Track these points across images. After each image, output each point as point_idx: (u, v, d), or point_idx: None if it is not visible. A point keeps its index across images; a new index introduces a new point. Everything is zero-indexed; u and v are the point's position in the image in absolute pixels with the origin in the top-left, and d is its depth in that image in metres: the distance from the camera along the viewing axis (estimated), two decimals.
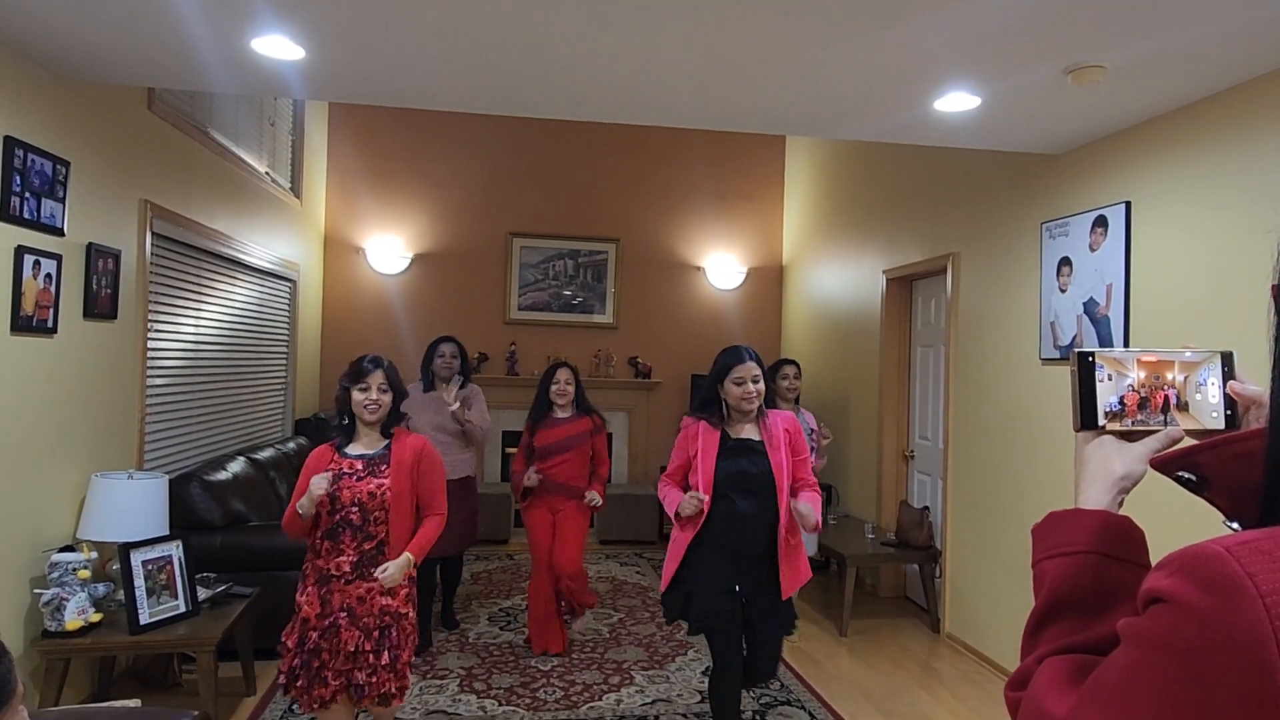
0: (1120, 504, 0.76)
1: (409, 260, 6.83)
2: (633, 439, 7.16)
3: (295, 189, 5.98)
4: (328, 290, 6.74)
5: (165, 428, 4.03)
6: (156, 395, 3.91)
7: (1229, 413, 0.75)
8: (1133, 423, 0.77)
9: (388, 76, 3.00)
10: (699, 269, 7.29)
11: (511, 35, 2.60)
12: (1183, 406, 0.76)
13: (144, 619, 3.03)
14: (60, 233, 3.05)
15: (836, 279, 6.25)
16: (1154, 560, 0.61)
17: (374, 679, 2.49)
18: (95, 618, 2.99)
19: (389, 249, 6.75)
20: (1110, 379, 0.77)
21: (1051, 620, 0.72)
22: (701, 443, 2.76)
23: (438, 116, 6.57)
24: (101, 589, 3.06)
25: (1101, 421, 0.77)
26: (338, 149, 6.76)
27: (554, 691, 3.66)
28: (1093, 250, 3.52)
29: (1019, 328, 4.01)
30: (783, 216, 7.44)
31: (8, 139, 2.76)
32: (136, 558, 3.08)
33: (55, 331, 3.05)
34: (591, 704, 3.55)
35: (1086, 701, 0.60)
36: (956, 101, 3.06)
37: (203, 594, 3.33)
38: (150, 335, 3.80)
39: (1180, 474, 0.70)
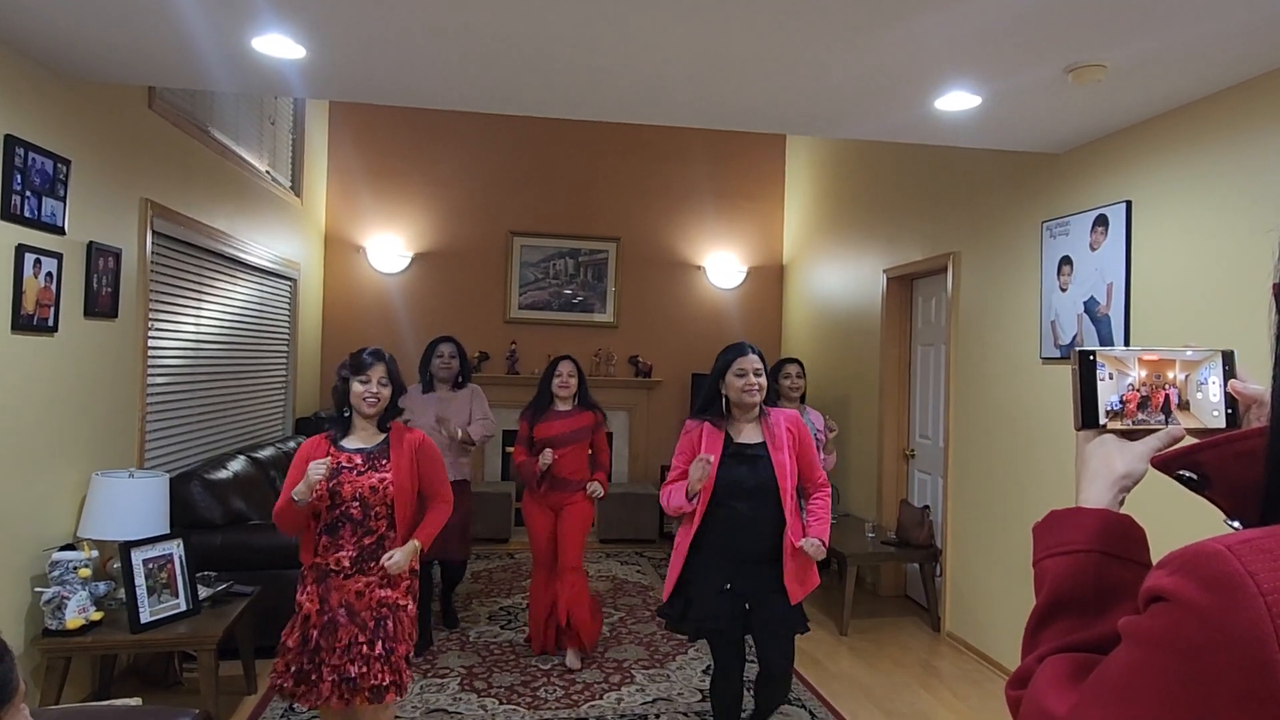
0: (1121, 503, 0.76)
1: (409, 259, 6.83)
2: (633, 438, 7.16)
3: (296, 188, 5.98)
4: (328, 289, 6.74)
5: (166, 426, 4.03)
6: (157, 394, 3.92)
7: (1230, 411, 0.75)
8: (1134, 422, 0.77)
9: (388, 75, 3.00)
10: (699, 268, 7.29)
11: (512, 34, 2.60)
12: (1184, 405, 0.76)
13: (145, 617, 3.04)
14: (61, 231, 3.05)
15: (837, 278, 6.25)
16: (1155, 559, 0.61)
17: (365, 670, 2.44)
18: (96, 616, 2.99)
19: (389, 248, 6.76)
20: (1111, 378, 0.77)
21: (1052, 619, 0.72)
22: (705, 446, 2.71)
23: (438, 115, 6.57)
24: (102, 587, 3.06)
25: (1103, 420, 0.77)
26: (338, 148, 6.76)
27: (554, 690, 3.66)
28: (1093, 249, 3.52)
29: (1019, 327, 4.01)
30: (783, 215, 7.44)
31: (8, 138, 2.76)
32: (137, 556, 3.08)
33: (56, 330, 3.05)
34: (592, 703, 3.55)
35: (1087, 700, 0.60)
36: (957, 100, 3.06)
37: (203, 592, 3.33)
38: (151, 334, 3.80)
39: (1181, 473, 0.70)
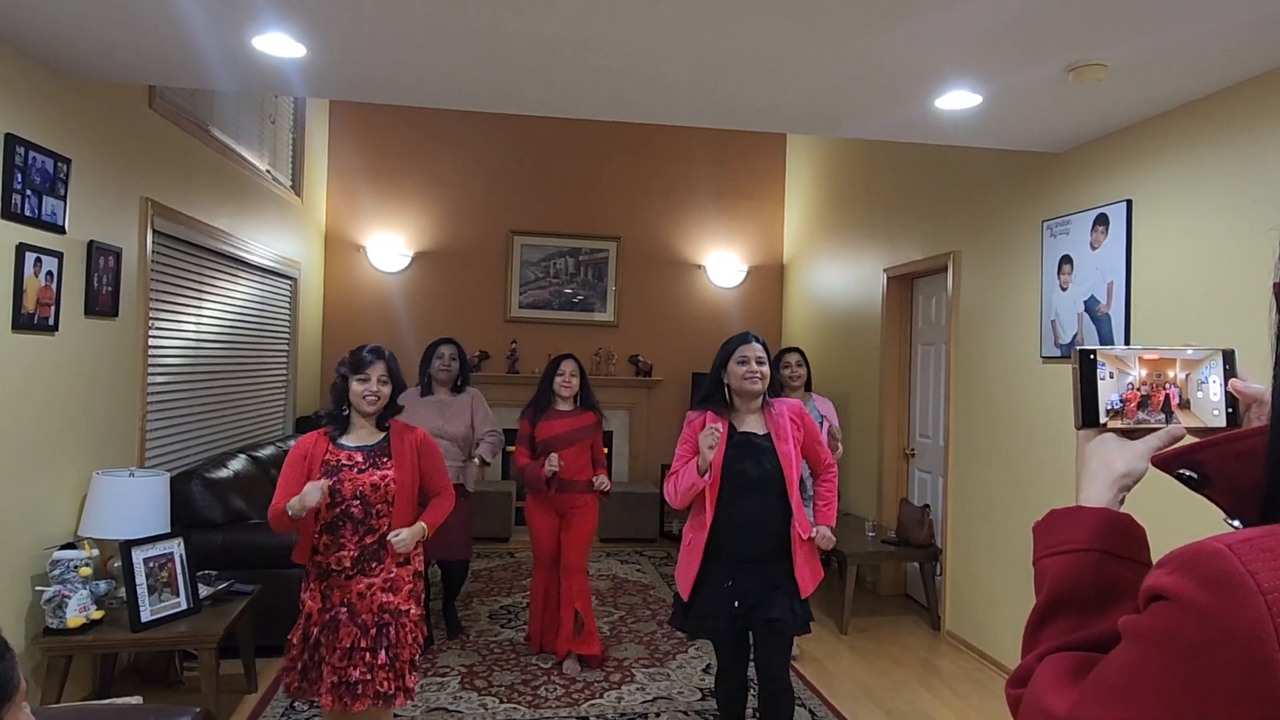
0: (1121, 502, 0.76)
1: (410, 258, 6.83)
2: (633, 437, 7.16)
3: (296, 187, 5.98)
4: (328, 288, 6.74)
5: (166, 425, 4.04)
6: (157, 393, 3.92)
7: (1230, 411, 0.75)
8: (1134, 421, 0.77)
9: (388, 74, 3.00)
10: (700, 267, 7.29)
11: (512, 33, 2.60)
12: (1184, 404, 0.76)
13: (145, 616, 3.04)
14: (61, 230, 3.05)
15: (837, 277, 6.25)
16: (1155, 558, 0.61)
17: (369, 677, 2.42)
18: (97, 615, 2.99)
19: (390, 247, 6.76)
20: (1112, 377, 0.77)
21: (1052, 618, 0.72)
22: None
23: (438, 114, 6.57)
24: (103, 586, 3.06)
25: (1103, 419, 0.77)
26: (338, 147, 6.76)
27: (555, 689, 3.67)
28: (1094, 248, 3.52)
29: (1020, 326, 4.01)
30: (783, 215, 7.44)
31: (9, 136, 2.76)
32: (138, 555, 3.08)
33: (56, 329, 3.05)
34: (592, 701, 3.55)
35: (1087, 699, 0.60)
36: (958, 100, 3.06)
37: (204, 591, 3.33)
38: (151, 333, 3.81)
39: (1181, 472, 0.70)
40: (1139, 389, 0.77)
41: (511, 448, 4.64)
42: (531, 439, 3.90)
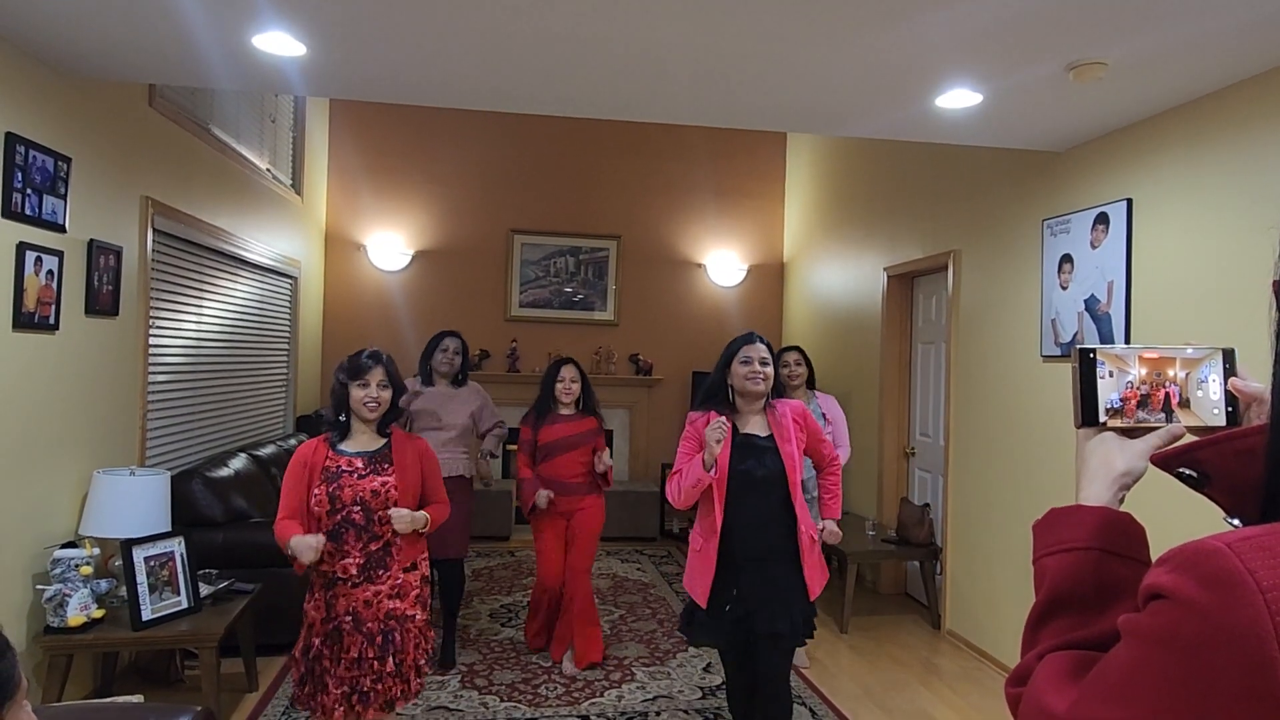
0: (1121, 500, 0.76)
1: (410, 257, 6.84)
2: (634, 436, 7.16)
3: (296, 186, 5.98)
4: (329, 287, 6.74)
5: (167, 424, 4.04)
6: (158, 392, 3.92)
7: (1230, 410, 0.75)
8: (1134, 420, 0.77)
9: (388, 73, 3.00)
10: (700, 266, 7.29)
11: (512, 32, 2.60)
12: (1184, 403, 0.76)
13: (146, 615, 3.04)
14: (62, 229, 3.05)
15: (837, 276, 6.25)
16: (1155, 556, 0.61)
17: (379, 685, 2.42)
18: (98, 614, 2.99)
19: (390, 246, 6.76)
20: (1111, 375, 0.77)
21: (1052, 616, 0.72)
22: None
23: (438, 113, 6.57)
24: (104, 585, 3.06)
25: (1103, 418, 0.77)
26: (338, 146, 6.76)
27: (555, 688, 3.67)
28: (1094, 247, 3.51)
29: (1020, 325, 4.01)
30: (784, 213, 7.44)
31: (9, 135, 2.76)
32: (139, 554, 3.08)
33: (57, 328, 3.05)
34: (593, 700, 3.55)
35: (1087, 697, 0.60)
36: (958, 98, 3.06)
37: (205, 590, 3.34)
38: (152, 332, 3.81)
39: (1181, 470, 0.70)
40: (1139, 388, 0.77)
41: (513, 446, 4.61)
42: (534, 444, 3.89)
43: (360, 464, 2.51)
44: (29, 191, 2.85)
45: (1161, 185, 3.20)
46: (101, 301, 3.32)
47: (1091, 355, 0.78)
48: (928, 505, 4.80)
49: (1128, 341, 3.30)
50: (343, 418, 2.56)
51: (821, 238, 6.60)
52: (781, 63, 2.78)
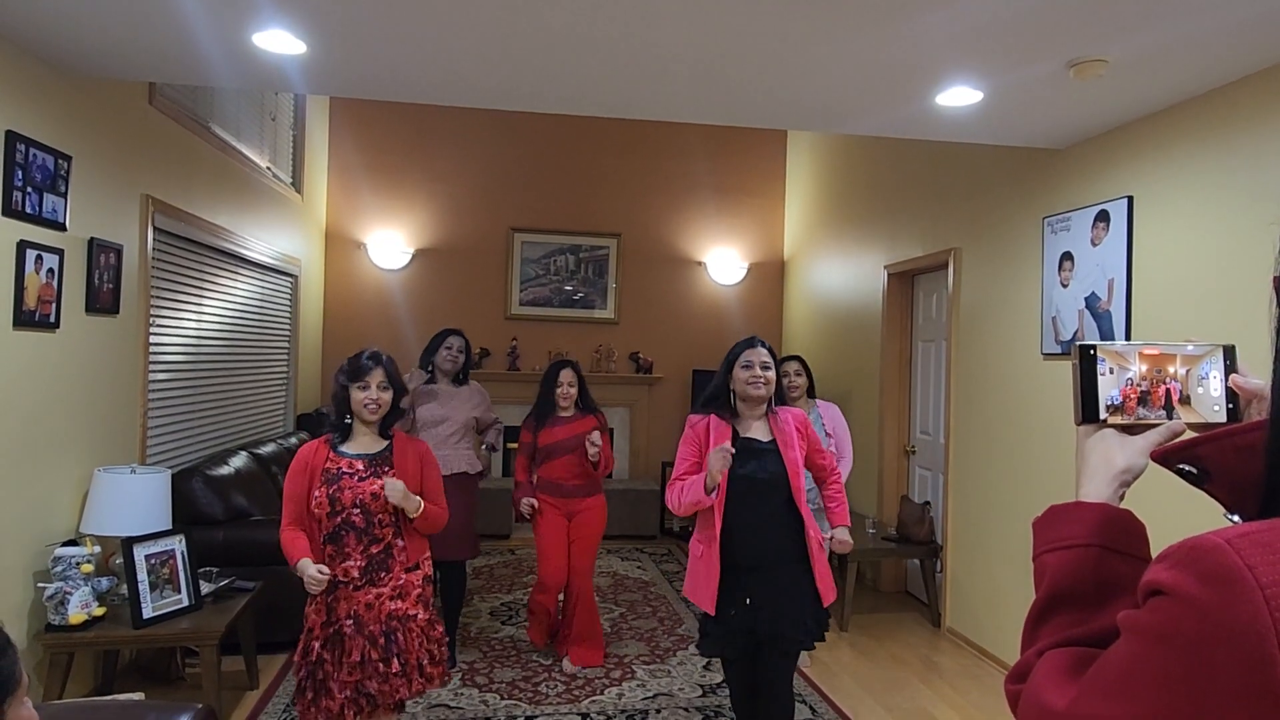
0: (1121, 497, 0.76)
1: (410, 255, 6.83)
2: (634, 434, 7.16)
3: (296, 184, 5.98)
4: (329, 285, 6.74)
5: (167, 422, 4.04)
6: (158, 390, 3.92)
7: (1231, 406, 0.75)
8: (1134, 417, 0.77)
9: (388, 71, 3.00)
10: (700, 264, 7.29)
11: (512, 30, 2.59)
12: (1184, 400, 0.76)
13: (147, 613, 3.04)
14: (62, 227, 3.06)
15: (838, 274, 6.25)
16: (1155, 553, 0.61)
17: (386, 687, 2.41)
18: (98, 612, 3.00)
19: (390, 244, 6.76)
20: (1112, 372, 0.77)
21: (1052, 613, 0.72)
22: (713, 440, 2.61)
23: (438, 111, 6.56)
24: (105, 583, 3.07)
25: (1103, 415, 0.77)
26: (339, 144, 6.76)
27: (555, 686, 3.67)
28: (1094, 245, 3.51)
29: (1020, 323, 4.01)
30: (784, 212, 7.44)
31: (9, 134, 2.76)
32: (139, 552, 3.09)
33: (58, 326, 3.05)
34: (593, 698, 3.56)
35: (1086, 694, 0.60)
36: (958, 96, 3.05)
37: (205, 588, 3.34)
38: (152, 330, 3.81)
39: (1181, 467, 0.70)
40: (1139, 385, 0.77)
41: (513, 444, 4.61)
42: (534, 447, 3.90)
43: (361, 466, 2.50)
44: (29, 190, 2.85)
45: (1162, 183, 3.20)
46: (102, 300, 3.32)
47: (1092, 352, 0.78)
48: (928, 503, 4.80)
49: (1128, 339, 3.29)
50: (346, 419, 2.55)
51: (822, 236, 6.60)
52: (782, 61, 2.78)
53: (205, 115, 4.39)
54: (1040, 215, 3.88)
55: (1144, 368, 0.77)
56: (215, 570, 3.52)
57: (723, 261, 7.26)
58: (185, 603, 3.18)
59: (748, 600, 2.54)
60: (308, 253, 6.23)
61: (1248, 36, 2.50)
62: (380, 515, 2.47)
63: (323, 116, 6.61)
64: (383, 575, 2.47)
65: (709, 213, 7.29)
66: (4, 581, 2.85)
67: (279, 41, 2.72)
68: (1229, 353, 0.76)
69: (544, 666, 3.88)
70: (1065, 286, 3.68)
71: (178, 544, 3.23)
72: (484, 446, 4.20)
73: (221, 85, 3.76)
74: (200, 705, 2.23)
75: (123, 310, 3.50)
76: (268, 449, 4.69)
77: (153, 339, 3.82)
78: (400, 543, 2.51)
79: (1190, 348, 0.77)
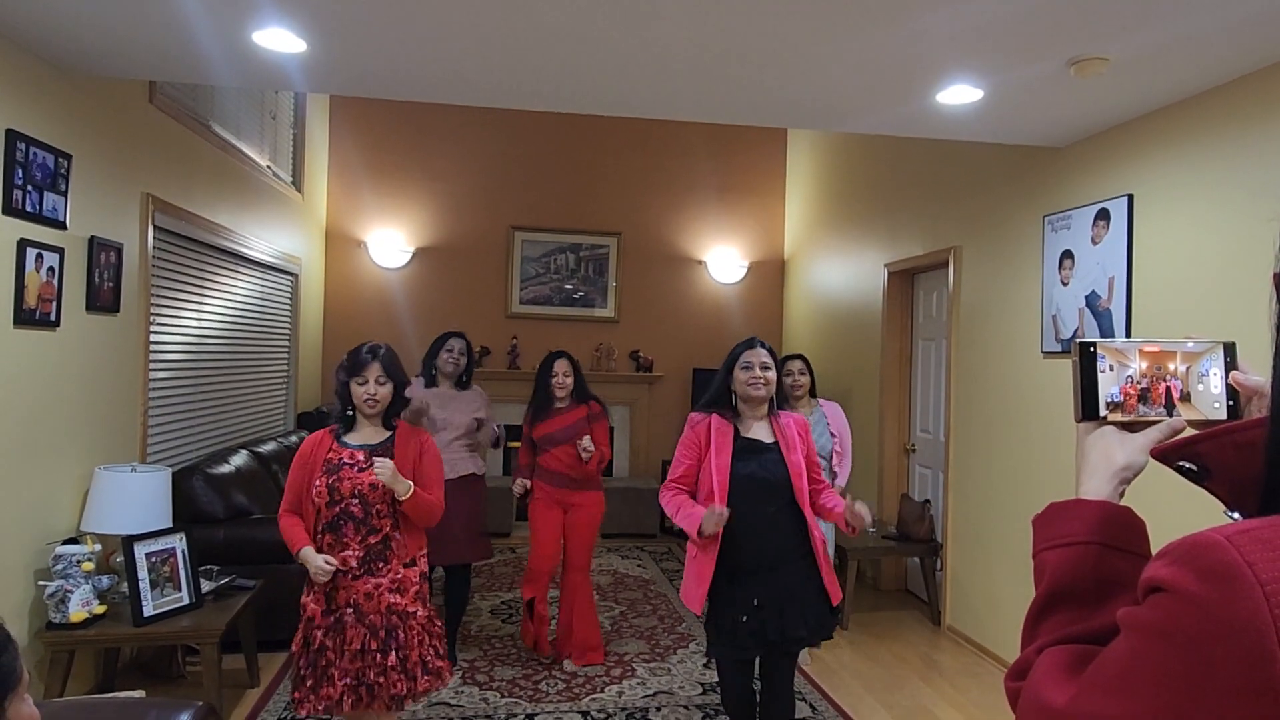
0: (1121, 494, 0.76)
1: (410, 254, 6.83)
2: (634, 433, 7.16)
3: (297, 183, 5.98)
4: (329, 284, 6.74)
5: (168, 421, 4.04)
6: (159, 388, 3.92)
7: (1231, 403, 0.75)
8: (1134, 414, 0.77)
9: (389, 69, 3.00)
10: (700, 263, 7.29)
11: (512, 28, 2.59)
12: (1185, 397, 0.76)
13: (148, 611, 3.05)
14: (62, 226, 3.06)
15: (838, 273, 6.24)
16: (1154, 550, 0.61)
17: (383, 679, 2.42)
18: (99, 610, 3.00)
19: (390, 243, 6.75)
20: (1112, 369, 0.77)
21: (1052, 610, 0.72)
22: (715, 441, 2.60)
23: (438, 110, 6.56)
24: (105, 581, 3.07)
25: (1103, 412, 0.77)
26: (339, 143, 6.76)
27: (556, 684, 3.67)
28: (1095, 243, 3.51)
29: (1021, 321, 4.01)
30: (784, 210, 7.43)
31: (10, 132, 2.76)
32: (140, 550, 3.09)
33: (58, 325, 3.05)
34: (593, 696, 3.56)
35: (1086, 691, 0.60)
36: (959, 94, 3.05)
37: (206, 586, 3.34)
38: (152, 328, 3.81)
39: (1181, 464, 0.70)
40: (1139, 382, 0.77)
41: (514, 443, 4.61)
42: (530, 438, 3.94)
43: (361, 457, 2.52)
44: (30, 188, 2.85)
45: (1162, 181, 3.20)
46: (102, 298, 3.32)
47: (1092, 349, 0.78)
48: (928, 501, 4.80)
49: (1128, 337, 3.29)
50: (349, 411, 2.58)
51: (822, 234, 6.59)
52: (782, 59, 2.77)
53: (205, 114, 4.39)
54: (1041, 213, 3.88)
55: (1144, 365, 0.77)
56: (216, 568, 3.52)
57: (723, 260, 7.26)
58: (186, 601, 3.19)
59: (754, 601, 2.52)
60: (308, 251, 6.23)
61: (1248, 35, 2.50)
62: (379, 506, 2.49)
63: (323, 115, 6.61)
64: (381, 566, 2.49)
65: (709, 211, 7.29)
66: (5, 579, 2.85)
67: (279, 40, 2.72)
68: (1229, 349, 0.76)
69: (544, 665, 3.88)
70: (1066, 285, 3.67)
71: (178, 542, 3.23)
72: (484, 427, 4.10)
73: (221, 84, 3.76)
74: (201, 703, 2.23)
75: (123, 309, 3.50)
76: (268, 447, 4.69)
77: (153, 337, 3.82)
78: (399, 536, 2.52)
79: (1190, 345, 0.77)
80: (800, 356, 4.21)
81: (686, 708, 3.47)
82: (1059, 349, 3.72)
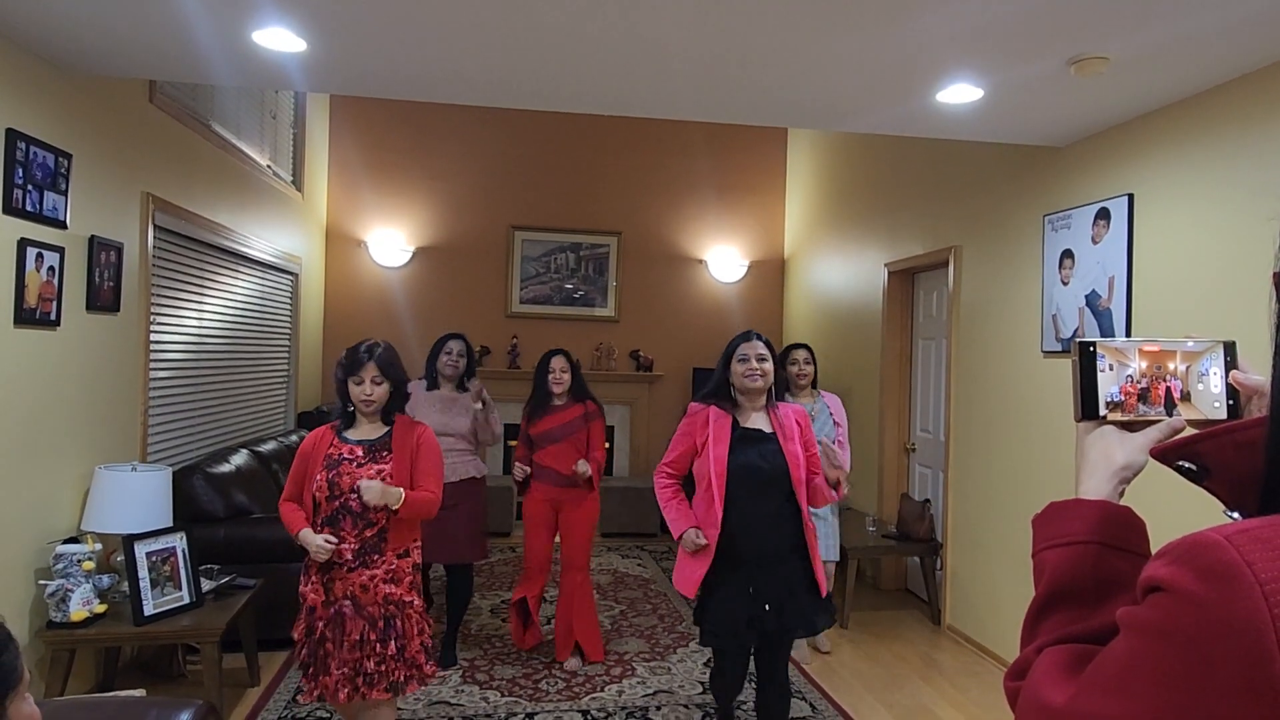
0: (1121, 494, 0.76)
1: (410, 253, 6.83)
2: (634, 432, 7.16)
3: (297, 182, 5.97)
4: (329, 283, 6.74)
5: (168, 420, 4.04)
6: (159, 388, 3.92)
7: (1231, 402, 0.75)
8: (1134, 413, 0.77)
9: (388, 69, 3.00)
10: (701, 262, 7.28)
11: (512, 27, 2.59)
12: (1185, 396, 0.76)
13: (148, 610, 3.05)
14: (63, 225, 3.06)
15: (838, 272, 6.24)
16: (1154, 550, 0.61)
17: (383, 668, 2.45)
18: (100, 609, 3.00)
19: (390, 242, 6.75)
20: (1112, 369, 0.77)
21: (1051, 610, 0.72)
22: (713, 429, 2.63)
23: (438, 109, 6.56)
24: (106, 580, 3.07)
25: (1103, 411, 0.77)
26: (339, 142, 6.76)
27: (556, 683, 3.68)
28: (1095, 243, 3.51)
29: (1021, 320, 4.01)
30: (784, 209, 7.43)
31: (10, 132, 2.76)
32: (140, 549, 3.09)
33: (58, 324, 3.05)
34: (593, 695, 3.56)
35: (1085, 690, 0.60)
36: (959, 94, 3.05)
37: (206, 585, 3.34)
38: (153, 328, 3.81)
39: (1181, 463, 0.70)
40: (1139, 381, 0.77)
41: (513, 442, 4.61)
42: (528, 435, 3.94)
43: (360, 452, 2.55)
44: (30, 188, 2.85)
45: (1163, 180, 3.20)
46: (103, 298, 3.32)
47: (1091, 348, 0.78)
48: (928, 501, 4.80)
49: (1128, 336, 3.29)
50: (349, 408, 2.61)
51: (822, 234, 6.59)
52: (782, 58, 2.77)
53: (205, 113, 4.39)
54: (1041, 213, 3.88)
55: (1144, 364, 0.77)
56: (216, 568, 3.52)
57: (723, 259, 7.25)
58: (186, 600, 3.19)
59: (750, 590, 2.56)
60: (308, 251, 6.23)
61: (1248, 34, 2.49)
62: (353, 494, 2.51)
63: (323, 114, 6.61)
64: (375, 557, 2.51)
65: (709, 211, 7.29)
66: (6, 578, 2.85)
67: (279, 39, 2.72)
68: (1229, 349, 0.76)
69: (544, 664, 3.88)
70: (1066, 284, 3.67)
71: (179, 541, 3.24)
72: (481, 408, 4.02)
73: (221, 83, 3.76)
74: (201, 702, 2.23)
75: (123, 308, 3.50)
76: (268, 447, 4.69)
77: (153, 337, 3.82)
78: (393, 528, 2.55)
79: (1190, 344, 0.77)
80: (805, 346, 4.22)
81: (686, 707, 3.47)
82: (1059, 348, 3.72)
